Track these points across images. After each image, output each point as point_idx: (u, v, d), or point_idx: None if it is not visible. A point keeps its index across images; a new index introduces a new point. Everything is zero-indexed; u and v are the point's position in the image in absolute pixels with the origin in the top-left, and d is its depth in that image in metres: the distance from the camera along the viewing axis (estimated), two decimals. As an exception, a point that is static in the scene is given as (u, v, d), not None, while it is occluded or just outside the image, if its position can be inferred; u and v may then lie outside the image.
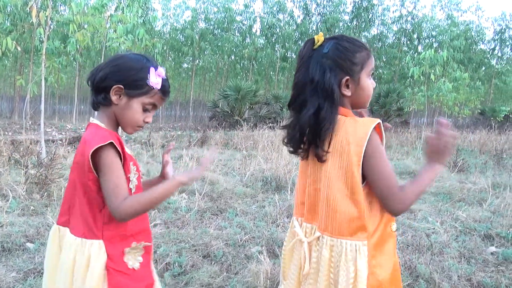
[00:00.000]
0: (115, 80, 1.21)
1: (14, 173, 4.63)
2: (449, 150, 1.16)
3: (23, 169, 4.28)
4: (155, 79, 1.23)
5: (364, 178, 1.16)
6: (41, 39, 6.20)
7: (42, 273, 2.40)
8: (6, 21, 9.41)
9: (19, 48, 6.38)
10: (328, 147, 1.17)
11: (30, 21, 10.29)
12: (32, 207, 3.64)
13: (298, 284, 1.27)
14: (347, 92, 1.21)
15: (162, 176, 1.40)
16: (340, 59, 1.19)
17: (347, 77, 1.19)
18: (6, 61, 20.15)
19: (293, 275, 1.28)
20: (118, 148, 1.18)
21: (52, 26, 6.31)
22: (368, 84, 1.23)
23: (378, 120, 1.16)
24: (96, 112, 1.30)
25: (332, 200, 1.18)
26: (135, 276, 1.25)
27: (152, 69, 1.22)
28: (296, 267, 1.27)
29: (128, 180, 1.23)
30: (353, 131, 1.16)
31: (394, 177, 1.16)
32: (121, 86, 1.21)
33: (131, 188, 1.24)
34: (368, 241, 1.16)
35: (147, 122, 1.28)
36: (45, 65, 6.32)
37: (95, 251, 1.19)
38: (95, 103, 1.26)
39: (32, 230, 3.08)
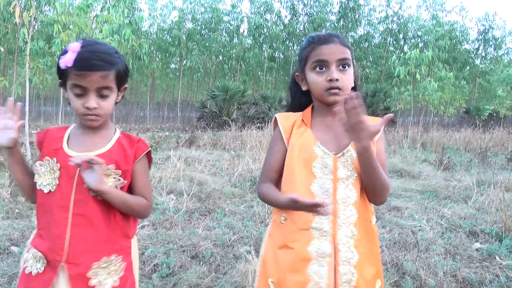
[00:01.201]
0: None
1: (-2, 176, 4.55)
2: (360, 124, 1.06)
3: (7, 172, 4.21)
4: (63, 59, 1.11)
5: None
6: (25, 39, 6.10)
7: (27, 277, 2.36)
8: (-11, 21, 9.24)
9: (2, 49, 6.26)
10: None
11: (14, 22, 10.13)
12: (17, 210, 3.58)
13: None
14: (303, 87, 1.30)
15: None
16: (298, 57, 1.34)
17: (296, 73, 1.31)
18: (-11, 62, 19.78)
19: None
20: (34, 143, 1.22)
21: (36, 27, 6.23)
22: (312, 77, 1.21)
23: (275, 115, 1.31)
24: None
25: None
26: (26, 281, 1.20)
27: (67, 51, 1.12)
28: None
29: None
30: None
31: (265, 168, 1.30)
32: (60, 81, 1.20)
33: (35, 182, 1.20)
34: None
35: (87, 108, 1.14)
36: (29, 66, 6.22)
37: None
38: None
39: (17, 234, 3.03)
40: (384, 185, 1.17)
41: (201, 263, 2.72)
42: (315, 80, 1.21)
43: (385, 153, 1.28)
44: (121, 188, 1.21)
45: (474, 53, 25.05)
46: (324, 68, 1.19)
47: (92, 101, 1.14)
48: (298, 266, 1.17)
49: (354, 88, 1.29)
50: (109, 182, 1.17)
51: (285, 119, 1.28)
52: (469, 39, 24.59)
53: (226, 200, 4.36)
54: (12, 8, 5.47)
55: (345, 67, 1.20)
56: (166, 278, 2.49)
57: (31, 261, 1.19)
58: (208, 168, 6.00)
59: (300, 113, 1.30)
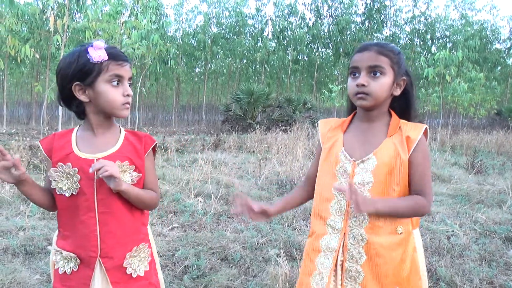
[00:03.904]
0: (69, 83, 1.19)
1: (34, 178, 4.71)
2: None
3: (42, 174, 4.36)
4: (96, 54, 1.17)
5: None
6: (57, 46, 6.32)
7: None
8: (24, 29, 9.62)
9: (37, 56, 6.52)
10: None
11: (47, 29, 10.51)
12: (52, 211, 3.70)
13: None
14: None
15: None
16: None
17: None
18: (23, 68, 20.58)
19: None
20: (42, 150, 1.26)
21: (68, 34, 6.44)
22: (348, 83, 1.31)
23: (318, 122, 1.42)
24: None
25: None
26: (62, 281, 1.26)
27: (90, 49, 1.18)
28: None
29: (49, 180, 1.25)
30: None
31: (307, 171, 1.43)
32: (77, 83, 1.19)
33: (54, 188, 1.23)
34: None
35: (128, 95, 1.22)
36: (62, 71, 6.43)
37: None
38: (77, 114, 1.27)
39: (53, 234, 3.13)
40: (410, 214, 1.24)
41: (231, 266, 2.74)
42: (348, 85, 1.30)
43: (426, 163, 1.24)
44: (138, 182, 1.27)
45: (506, 52, 24.20)
46: (356, 74, 1.26)
47: (129, 89, 1.23)
48: (311, 255, 1.32)
49: (404, 98, 1.31)
50: (126, 178, 1.23)
51: (323, 124, 1.40)
52: (500, 39, 23.80)
53: (253, 203, 4.37)
54: (48, 16, 5.69)
55: (376, 74, 1.24)
56: (197, 279, 2.52)
57: (61, 262, 1.25)
58: (234, 171, 6.04)
59: (343, 118, 1.39)
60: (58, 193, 1.23)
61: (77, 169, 1.20)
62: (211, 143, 9.09)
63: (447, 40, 22.42)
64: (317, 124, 1.40)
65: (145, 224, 1.36)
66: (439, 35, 22.80)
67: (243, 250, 2.99)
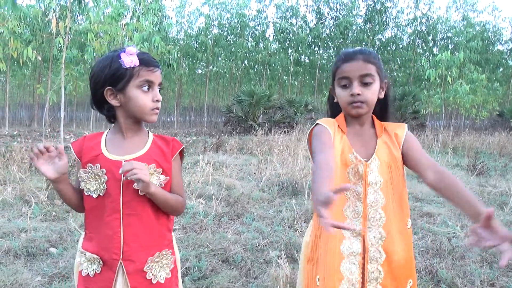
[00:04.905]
0: (101, 87, 1.22)
1: (35, 180, 4.74)
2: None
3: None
4: (128, 59, 1.20)
5: None
6: (59, 48, 6.35)
7: (67, 278, 2.45)
8: (26, 31, 9.66)
9: (39, 58, 6.54)
10: None
11: (49, 31, 10.56)
12: (54, 213, 3.72)
13: None
14: (335, 99, 1.44)
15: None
16: None
17: (330, 87, 1.44)
18: (25, 70, 20.65)
19: None
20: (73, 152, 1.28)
21: (70, 36, 6.47)
22: (338, 92, 1.34)
23: (319, 121, 1.34)
24: None
25: None
26: (85, 283, 1.27)
27: (122, 54, 1.20)
28: None
29: (78, 181, 1.27)
30: None
31: (322, 140, 1.26)
32: (109, 87, 1.21)
33: (82, 189, 1.25)
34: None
35: (158, 101, 1.24)
36: (64, 73, 6.46)
37: None
38: (108, 118, 1.30)
39: (55, 235, 3.15)
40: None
41: (232, 267, 2.74)
42: (340, 94, 1.32)
43: (419, 144, 1.34)
44: (165, 185, 1.27)
45: (508, 54, 24.17)
46: (347, 84, 1.30)
47: (159, 94, 1.26)
48: (333, 264, 1.27)
49: (384, 99, 1.37)
50: (153, 181, 1.24)
51: (327, 122, 1.35)
52: (502, 40, 23.77)
53: (254, 205, 4.38)
54: (50, 18, 5.71)
55: (368, 82, 1.27)
56: (198, 281, 2.52)
57: (85, 264, 1.25)
58: (236, 173, 6.04)
59: (333, 119, 1.38)
60: (86, 194, 1.25)
61: (105, 170, 1.22)
62: (213, 145, 9.11)
63: (449, 41, 22.39)
64: (318, 124, 1.32)
65: (170, 230, 1.34)
66: (440, 37, 22.78)
67: (244, 251, 2.99)
